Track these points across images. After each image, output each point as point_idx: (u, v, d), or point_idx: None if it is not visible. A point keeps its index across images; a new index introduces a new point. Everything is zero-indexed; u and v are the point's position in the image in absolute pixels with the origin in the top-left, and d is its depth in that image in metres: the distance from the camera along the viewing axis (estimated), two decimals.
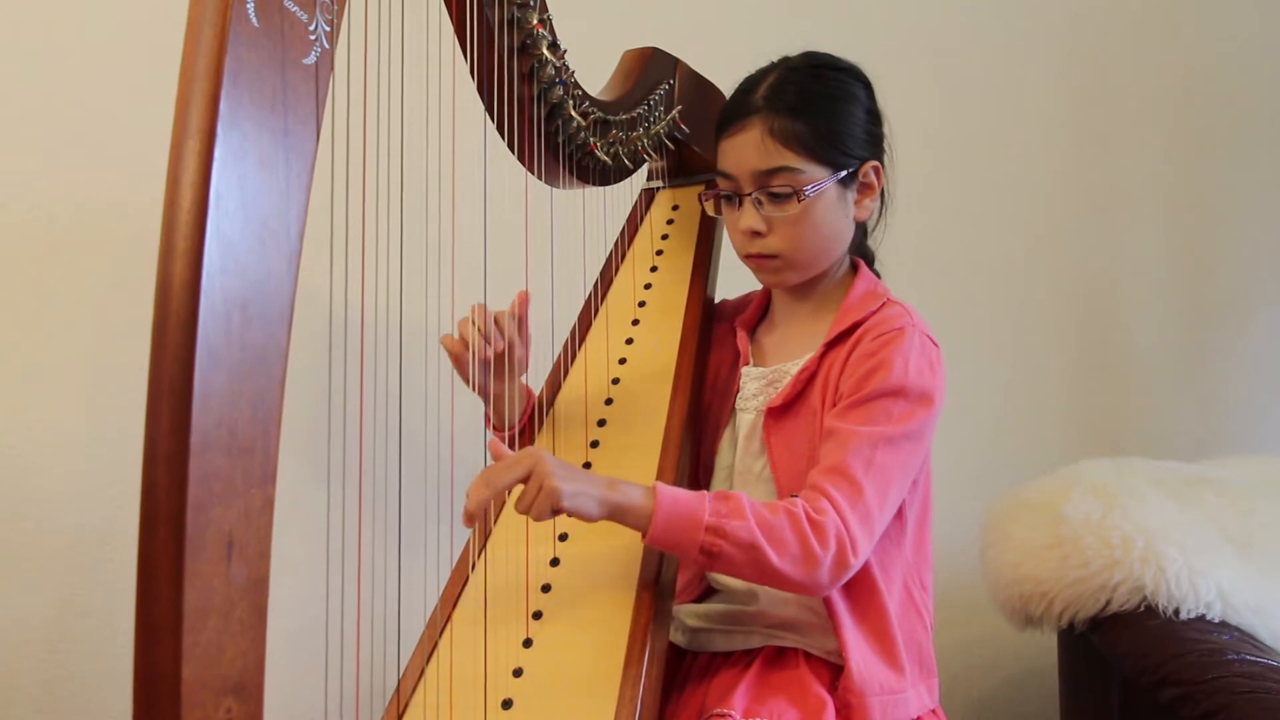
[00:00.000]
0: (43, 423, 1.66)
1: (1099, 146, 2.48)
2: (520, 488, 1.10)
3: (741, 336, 1.39)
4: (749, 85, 1.30)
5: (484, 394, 1.32)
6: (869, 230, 1.37)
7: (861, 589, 1.22)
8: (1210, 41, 2.56)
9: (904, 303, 1.29)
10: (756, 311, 1.41)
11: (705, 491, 1.15)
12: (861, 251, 1.38)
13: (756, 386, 1.33)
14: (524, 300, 1.31)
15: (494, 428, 1.37)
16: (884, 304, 1.28)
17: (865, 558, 1.17)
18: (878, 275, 1.37)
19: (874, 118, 1.31)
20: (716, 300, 1.52)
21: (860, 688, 1.19)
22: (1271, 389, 2.58)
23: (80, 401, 1.68)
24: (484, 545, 1.26)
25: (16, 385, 1.65)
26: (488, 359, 1.28)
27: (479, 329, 1.27)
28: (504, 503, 1.29)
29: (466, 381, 1.31)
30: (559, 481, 1.08)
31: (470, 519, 1.08)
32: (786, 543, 1.11)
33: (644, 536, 1.12)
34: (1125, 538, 1.64)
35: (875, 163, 1.30)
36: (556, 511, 1.09)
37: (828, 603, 1.20)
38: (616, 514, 1.11)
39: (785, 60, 1.31)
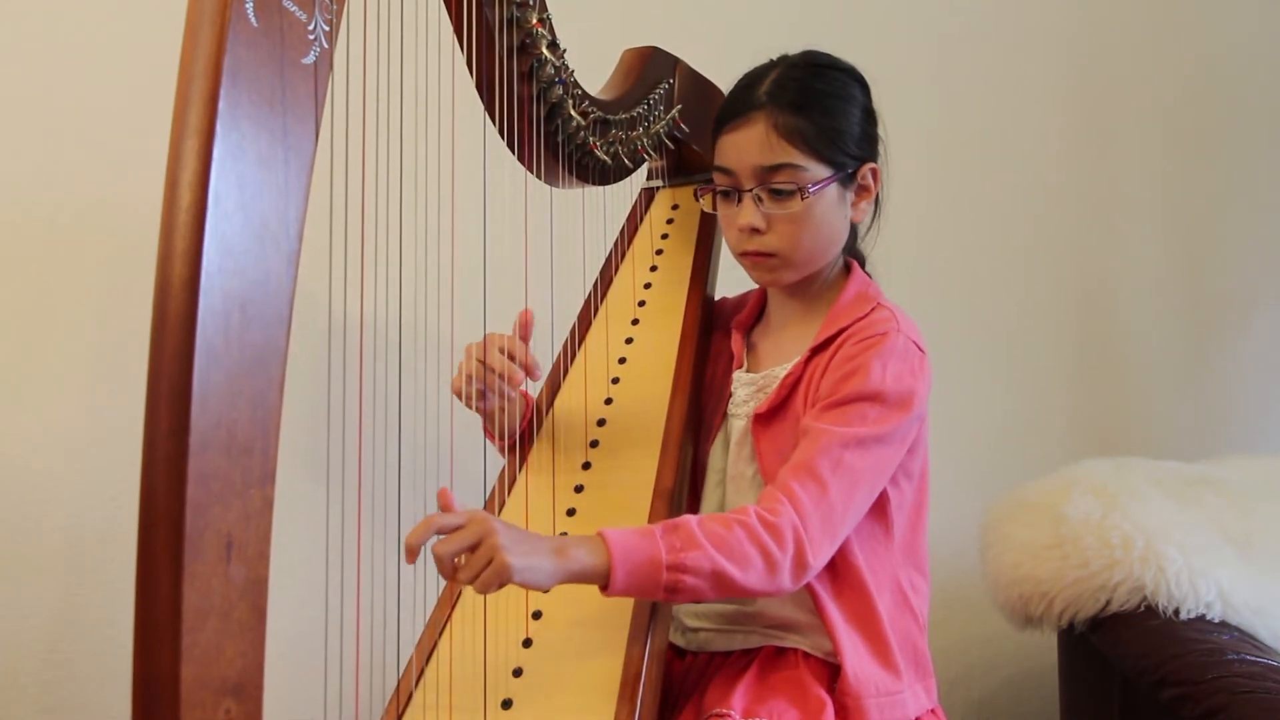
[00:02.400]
0: (43, 423, 1.65)
1: (1099, 146, 2.48)
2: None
3: (736, 339, 1.38)
4: (750, 81, 1.29)
5: (484, 413, 1.32)
6: (860, 235, 1.37)
7: (853, 592, 1.22)
8: (1210, 41, 2.56)
9: (895, 307, 1.28)
10: (753, 312, 1.41)
11: (651, 527, 1.11)
12: (853, 253, 1.37)
13: (747, 392, 1.33)
14: (527, 322, 1.27)
15: (490, 436, 1.36)
16: (873, 309, 1.27)
17: (826, 559, 1.16)
18: (869, 276, 1.37)
19: (870, 118, 1.31)
20: (716, 298, 1.52)
21: (856, 690, 1.19)
22: (1271, 389, 2.58)
23: (80, 401, 1.68)
24: None
25: (16, 385, 1.64)
26: (501, 388, 1.27)
27: (481, 361, 1.26)
28: (503, 503, 1.29)
29: (466, 404, 1.30)
30: (510, 556, 1.01)
31: (410, 556, 1.01)
32: (748, 556, 1.09)
33: (604, 590, 1.07)
34: (1125, 538, 1.64)
35: (873, 165, 1.30)
36: (504, 584, 1.03)
37: (820, 606, 1.20)
38: (571, 580, 1.07)
39: (785, 58, 1.31)
